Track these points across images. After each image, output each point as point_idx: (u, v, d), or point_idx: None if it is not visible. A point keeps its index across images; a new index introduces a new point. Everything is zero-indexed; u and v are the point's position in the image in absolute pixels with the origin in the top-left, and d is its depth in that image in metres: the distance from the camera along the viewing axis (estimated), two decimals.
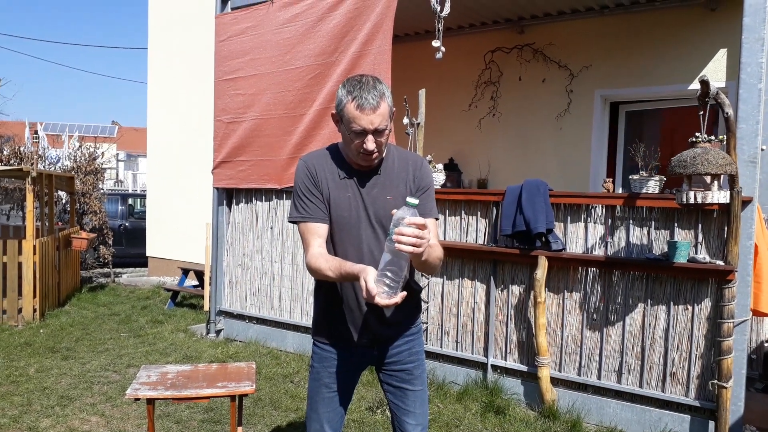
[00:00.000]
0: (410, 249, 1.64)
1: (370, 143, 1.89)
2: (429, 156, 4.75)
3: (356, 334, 2.06)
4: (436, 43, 4.33)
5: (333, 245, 2.02)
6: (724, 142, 3.52)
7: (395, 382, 2.14)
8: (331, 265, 1.89)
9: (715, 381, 3.55)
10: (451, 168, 7.05)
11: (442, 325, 4.68)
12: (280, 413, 4.02)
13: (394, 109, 2.04)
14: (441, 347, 4.67)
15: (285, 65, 5.19)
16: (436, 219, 2.11)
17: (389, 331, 2.09)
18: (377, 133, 1.89)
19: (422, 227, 1.65)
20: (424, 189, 2.07)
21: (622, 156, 6.53)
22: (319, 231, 1.99)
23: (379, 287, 1.69)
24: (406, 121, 4.69)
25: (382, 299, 1.68)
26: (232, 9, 5.68)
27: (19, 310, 6.41)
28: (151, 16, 10.04)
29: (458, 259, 4.59)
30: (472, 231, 4.57)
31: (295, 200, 2.05)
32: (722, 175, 3.39)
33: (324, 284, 2.08)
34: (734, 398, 3.53)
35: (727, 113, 3.41)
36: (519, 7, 6.26)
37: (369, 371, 2.08)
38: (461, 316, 4.59)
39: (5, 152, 9.72)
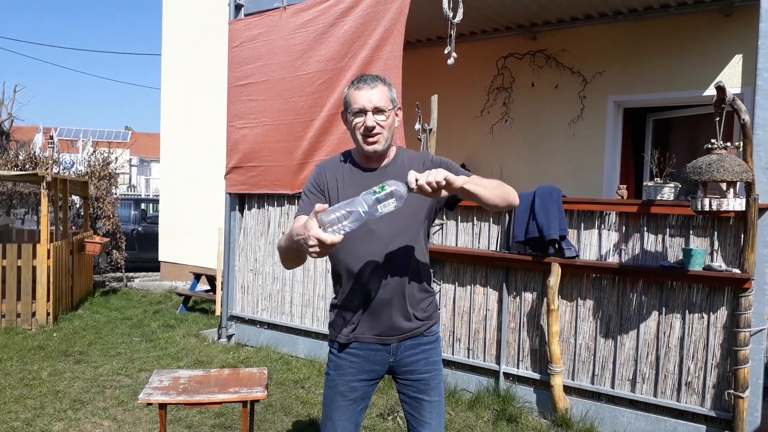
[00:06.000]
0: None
1: (369, 119, 1.96)
2: None
3: (371, 325, 2.05)
4: (448, 50, 4.32)
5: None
6: (741, 149, 3.48)
7: (411, 392, 2.12)
8: (284, 237, 1.94)
9: (732, 391, 3.50)
10: None
11: (453, 332, 4.65)
12: (291, 419, 4.01)
13: (400, 105, 2.10)
14: (452, 354, 4.64)
15: (296, 71, 5.21)
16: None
17: (404, 322, 2.06)
18: (377, 111, 1.96)
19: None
20: (444, 167, 2.01)
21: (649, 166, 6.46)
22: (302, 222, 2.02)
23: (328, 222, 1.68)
24: (418, 126, 4.69)
25: (321, 232, 1.64)
26: (246, 15, 5.71)
27: (33, 314, 6.46)
28: (165, 22, 10.13)
29: (470, 266, 4.57)
30: (485, 237, 4.54)
31: (301, 198, 2.14)
32: (738, 182, 3.35)
33: (341, 279, 2.09)
34: (751, 408, 3.48)
35: (743, 120, 3.37)
36: (532, 13, 6.24)
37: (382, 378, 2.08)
38: (473, 323, 4.56)
39: (21, 157, 9.83)
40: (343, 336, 2.09)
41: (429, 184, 1.69)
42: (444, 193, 1.73)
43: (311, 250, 1.66)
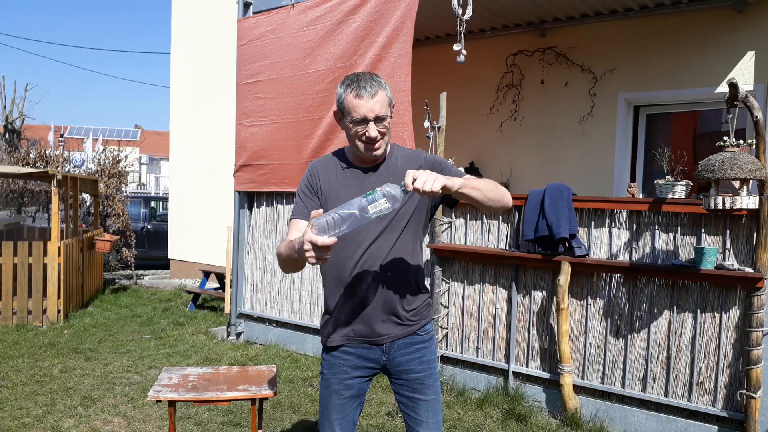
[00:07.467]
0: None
1: (372, 130, 1.94)
2: (450, 159, 4.72)
3: (361, 325, 2.04)
4: (457, 47, 4.30)
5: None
6: (753, 147, 3.44)
7: (406, 392, 2.11)
8: (283, 244, 1.94)
9: (744, 391, 3.47)
10: (472, 172, 7.01)
11: (462, 331, 4.64)
12: (299, 417, 4.02)
13: (395, 103, 2.09)
14: (461, 353, 4.63)
15: (305, 69, 5.21)
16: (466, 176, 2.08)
17: (394, 322, 2.06)
18: (378, 120, 1.94)
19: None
20: (438, 166, 2.05)
21: (642, 160, 6.42)
22: (299, 226, 2.03)
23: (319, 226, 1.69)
24: (427, 124, 4.67)
25: (313, 235, 1.66)
26: (254, 13, 5.72)
27: (44, 311, 6.51)
28: (175, 20, 10.16)
29: (479, 264, 4.55)
30: (494, 236, 4.52)
31: (295, 200, 2.13)
32: (751, 180, 3.31)
33: (328, 281, 2.09)
34: (763, 409, 3.45)
35: (756, 117, 3.33)
36: (541, 10, 6.20)
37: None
38: (482, 322, 4.55)
39: (32, 155, 9.90)
40: (334, 339, 2.09)
41: (425, 192, 1.71)
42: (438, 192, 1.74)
43: (307, 255, 1.68)
